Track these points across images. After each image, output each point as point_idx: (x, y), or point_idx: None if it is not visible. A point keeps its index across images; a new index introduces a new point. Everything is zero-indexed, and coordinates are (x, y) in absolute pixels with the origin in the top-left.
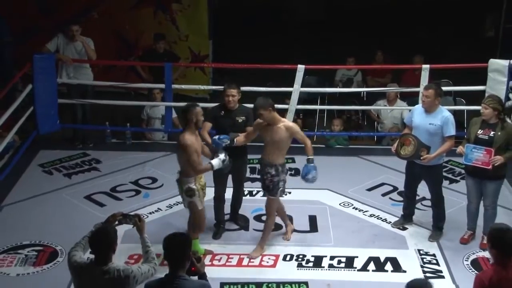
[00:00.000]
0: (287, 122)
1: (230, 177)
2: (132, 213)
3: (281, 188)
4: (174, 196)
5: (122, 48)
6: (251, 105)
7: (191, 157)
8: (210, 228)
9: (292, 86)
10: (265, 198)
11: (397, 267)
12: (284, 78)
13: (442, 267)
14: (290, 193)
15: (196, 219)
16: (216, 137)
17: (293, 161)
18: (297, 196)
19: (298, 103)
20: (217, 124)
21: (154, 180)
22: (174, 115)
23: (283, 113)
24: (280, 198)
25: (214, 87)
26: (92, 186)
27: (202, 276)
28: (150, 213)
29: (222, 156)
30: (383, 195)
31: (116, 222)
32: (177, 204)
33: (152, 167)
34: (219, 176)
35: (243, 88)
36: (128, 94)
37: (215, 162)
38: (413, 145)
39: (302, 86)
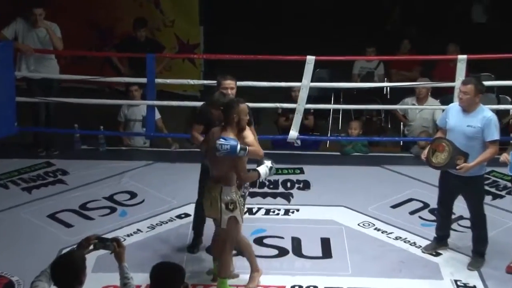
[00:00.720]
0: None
1: None
2: (109, 236)
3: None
4: (157, 214)
5: (95, 36)
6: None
7: (240, 162)
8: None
9: (299, 81)
10: (267, 217)
11: None
12: (290, 72)
13: None
14: (298, 210)
15: (232, 241)
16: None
17: (301, 171)
18: (306, 214)
19: (308, 102)
20: (211, 126)
21: (133, 195)
22: (158, 116)
23: (287, 114)
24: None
25: (206, 82)
26: (57, 203)
27: None
28: (128, 235)
29: (268, 163)
30: (412, 213)
31: (91, 247)
32: (161, 224)
33: (131, 179)
34: (206, 176)
35: (241, 83)
36: (101, 91)
37: (262, 170)
38: (448, 151)
39: (312, 81)
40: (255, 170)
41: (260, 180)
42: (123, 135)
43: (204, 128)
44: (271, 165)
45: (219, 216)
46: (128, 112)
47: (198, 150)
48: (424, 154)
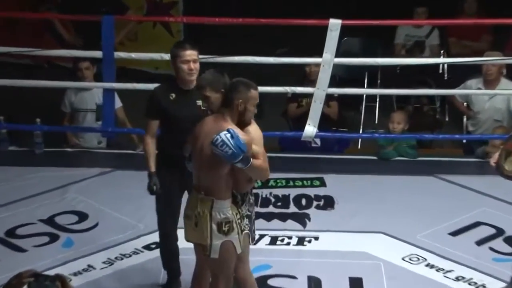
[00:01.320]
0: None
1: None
2: (49, 273)
3: (245, 231)
4: (117, 243)
5: None
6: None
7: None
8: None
9: (319, 56)
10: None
11: None
12: (305, 44)
13: None
14: (317, 239)
15: (227, 277)
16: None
17: (322, 183)
18: (328, 245)
19: (331, 85)
20: (167, 116)
21: (83, 216)
22: (119, 104)
23: (300, 98)
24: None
25: None
26: None
27: None
28: (76, 273)
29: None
30: (479, 243)
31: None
32: (121, 259)
33: (79, 194)
34: (168, 199)
35: (237, 59)
36: (38, 68)
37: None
38: None
39: (337, 55)
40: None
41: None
42: (70, 131)
43: (163, 124)
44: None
45: (207, 242)
46: (76, 99)
47: None
48: (494, 159)
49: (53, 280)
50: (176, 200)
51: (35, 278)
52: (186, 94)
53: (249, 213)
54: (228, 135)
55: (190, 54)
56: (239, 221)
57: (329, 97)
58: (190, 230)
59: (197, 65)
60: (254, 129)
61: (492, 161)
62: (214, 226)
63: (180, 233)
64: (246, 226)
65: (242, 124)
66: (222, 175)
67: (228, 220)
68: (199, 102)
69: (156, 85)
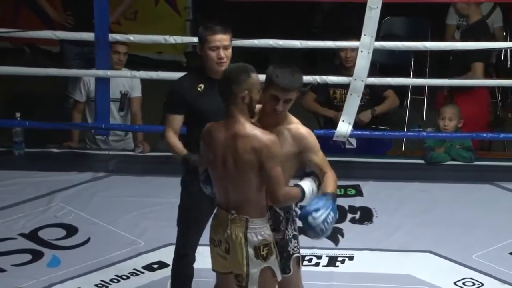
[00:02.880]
0: (297, 123)
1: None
2: None
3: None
4: (112, 263)
5: None
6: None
7: (275, 172)
8: None
9: (356, 39)
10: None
11: None
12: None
13: None
14: (351, 258)
15: None
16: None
17: (358, 191)
18: (367, 265)
19: (371, 74)
20: (195, 112)
21: (71, 230)
22: (137, 94)
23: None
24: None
25: (196, 40)
26: None
27: None
28: None
29: (311, 182)
30: None
31: None
32: (118, 281)
33: (67, 204)
34: (195, 214)
35: (254, 43)
36: (18, 51)
37: (307, 186)
38: None
39: (378, 38)
40: (297, 185)
41: (300, 204)
42: (53, 127)
43: (190, 120)
44: (314, 182)
45: (244, 270)
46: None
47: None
48: None
49: None
50: (205, 216)
51: None
52: (216, 84)
53: (296, 233)
54: (331, 217)
55: (221, 39)
56: (288, 242)
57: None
58: (219, 258)
59: (229, 52)
60: (306, 132)
61: None
62: (251, 251)
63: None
64: (296, 249)
65: (251, 116)
66: (256, 189)
67: (267, 243)
68: None
69: (174, 73)
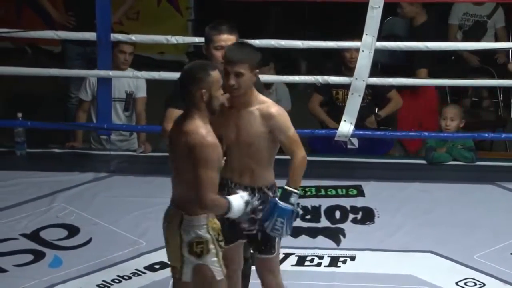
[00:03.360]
0: (268, 102)
1: None
2: None
3: (281, 230)
4: (114, 263)
5: None
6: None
7: (202, 173)
8: None
9: (358, 39)
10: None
11: None
12: (339, 25)
13: None
14: (353, 259)
15: None
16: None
17: (360, 192)
18: (368, 265)
19: (372, 74)
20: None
21: (73, 230)
22: (142, 94)
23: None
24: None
25: (197, 40)
26: None
27: None
28: None
29: (244, 195)
30: None
31: None
32: (119, 281)
33: (68, 204)
34: None
35: (258, 42)
36: (20, 51)
37: (236, 201)
38: None
39: (379, 38)
40: (224, 198)
41: (229, 218)
42: (56, 128)
43: None
44: (248, 198)
45: (178, 263)
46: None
47: None
48: None
49: None
50: None
51: None
52: None
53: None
54: (278, 222)
55: (226, 39)
56: (214, 236)
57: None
58: (167, 250)
59: None
60: (276, 111)
61: None
62: (185, 246)
63: None
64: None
65: (212, 113)
66: (193, 187)
67: (201, 240)
68: None
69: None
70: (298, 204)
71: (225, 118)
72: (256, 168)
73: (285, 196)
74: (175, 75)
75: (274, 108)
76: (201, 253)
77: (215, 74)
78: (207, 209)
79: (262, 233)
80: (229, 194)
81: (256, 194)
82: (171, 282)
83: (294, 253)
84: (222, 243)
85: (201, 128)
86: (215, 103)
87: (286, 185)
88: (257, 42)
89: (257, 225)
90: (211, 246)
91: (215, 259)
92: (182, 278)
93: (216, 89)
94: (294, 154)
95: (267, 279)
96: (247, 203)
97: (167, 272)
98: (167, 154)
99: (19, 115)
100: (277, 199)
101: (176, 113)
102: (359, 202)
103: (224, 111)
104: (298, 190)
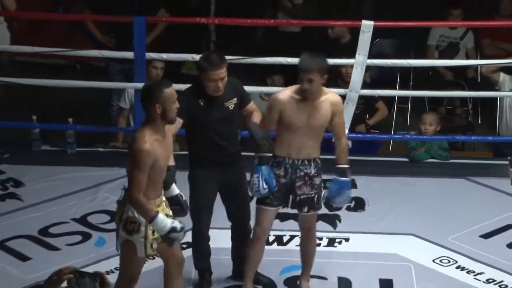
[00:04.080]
0: (331, 93)
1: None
2: (88, 271)
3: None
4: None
5: None
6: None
7: (133, 173)
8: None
9: (351, 57)
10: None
11: None
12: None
13: None
14: (347, 240)
15: (125, 277)
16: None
17: (353, 184)
18: (358, 246)
19: (364, 87)
20: (194, 119)
21: (114, 216)
22: None
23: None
24: None
25: None
26: (8, 226)
27: None
28: (108, 272)
29: (176, 223)
30: (510, 245)
31: (65, 285)
32: (153, 258)
33: (111, 194)
34: (205, 200)
35: (269, 60)
36: (71, 67)
37: (162, 220)
38: None
39: (370, 56)
40: (155, 210)
41: (287, 183)
42: (99, 130)
43: (196, 127)
44: (176, 227)
45: (117, 232)
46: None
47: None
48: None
49: (93, 277)
50: (210, 201)
51: (75, 275)
52: (214, 99)
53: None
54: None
55: (219, 73)
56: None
57: (372, 99)
58: None
59: (225, 81)
60: (339, 99)
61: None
62: (121, 222)
63: (211, 233)
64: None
65: (167, 123)
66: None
67: (135, 221)
68: (227, 104)
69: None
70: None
71: (300, 108)
72: (314, 144)
73: (343, 173)
74: None
75: (336, 97)
76: (131, 231)
77: (169, 91)
78: (132, 205)
79: (317, 195)
80: (286, 171)
81: (312, 163)
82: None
83: (298, 235)
84: (155, 233)
85: (144, 137)
86: (170, 115)
87: (340, 165)
88: (267, 60)
89: (315, 189)
90: (142, 228)
91: (142, 240)
92: (116, 246)
93: (169, 104)
94: (342, 136)
95: (313, 229)
96: (172, 229)
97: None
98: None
99: (70, 120)
100: (338, 177)
101: (178, 121)
102: (352, 193)
103: (300, 102)
104: (347, 165)
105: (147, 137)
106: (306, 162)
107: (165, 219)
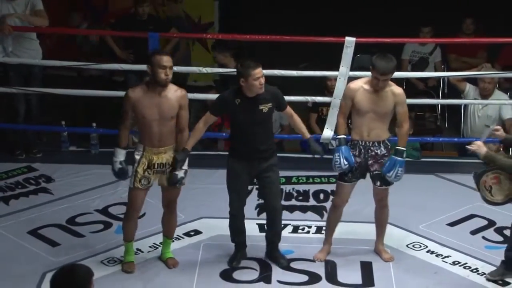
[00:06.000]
0: (394, 85)
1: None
2: (103, 258)
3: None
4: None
5: (85, 12)
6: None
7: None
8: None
9: (336, 69)
10: (295, 235)
11: None
12: (325, 58)
13: None
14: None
15: (127, 202)
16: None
17: None
18: (343, 233)
19: None
20: (234, 118)
21: None
22: None
23: (321, 107)
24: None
25: (221, 70)
26: (40, 216)
27: None
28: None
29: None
30: (473, 232)
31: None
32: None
33: None
34: (238, 186)
35: (266, 72)
36: (94, 79)
37: (117, 151)
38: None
39: (352, 69)
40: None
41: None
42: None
43: (232, 126)
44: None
45: None
46: None
47: (212, 153)
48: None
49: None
50: (245, 188)
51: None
52: (249, 100)
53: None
54: (399, 170)
55: (260, 71)
56: (144, 164)
57: None
58: None
59: (263, 80)
60: (401, 90)
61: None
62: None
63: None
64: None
65: (160, 84)
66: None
67: (134, 160)
68: (262, 107)
69: (205, 95)
70: (293, 188)
71: (367, 96)
72: (382, 128)
73: (399, 153)
74: (206, 96)
75: (399, 90)
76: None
77: (156, 58)
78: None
79: None
80: (360, 152)
81: (382, 145)
82: (202, 244)
83: (290, 224)
84: (149, 171)
85: (137, 88)
86: (157, 77)
87: (398, 146)
88: (264, 72)
89: (377, 167)
90: (135, 164)
91: (132, 176)
92: None
93: (156, 67)
94: (404, 124)
95: (384, 199)
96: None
97: (199, 237)
98: (201, 153)
99: (94, 124)
100: (394, 156)
101: (211, 118)
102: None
103: (368, 92)
104: (405, 148)
105: (137, 88)
106: (376, 144)
107: (121, 155)
